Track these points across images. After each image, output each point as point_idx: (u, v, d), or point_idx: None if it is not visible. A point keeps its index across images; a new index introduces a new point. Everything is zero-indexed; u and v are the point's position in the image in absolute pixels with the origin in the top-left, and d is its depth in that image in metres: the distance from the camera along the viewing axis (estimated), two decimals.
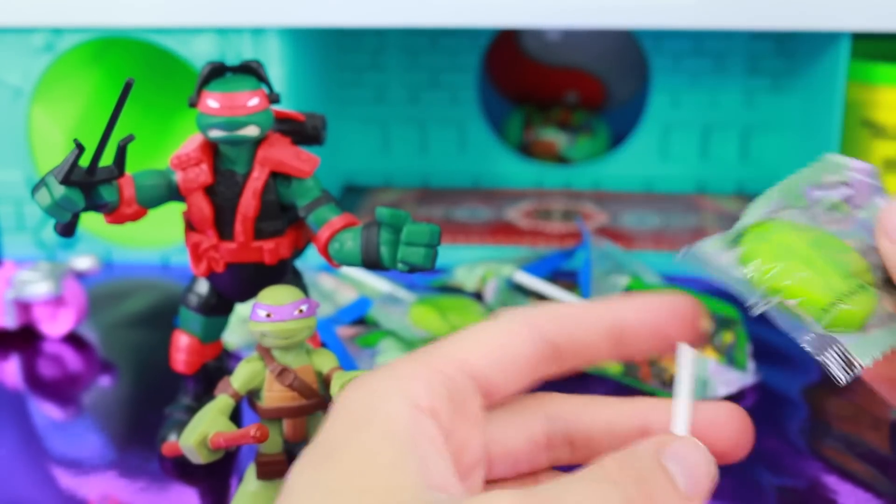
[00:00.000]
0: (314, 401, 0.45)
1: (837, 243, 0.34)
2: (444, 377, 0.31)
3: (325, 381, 0.45)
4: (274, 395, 0.45)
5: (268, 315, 0.44)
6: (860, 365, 0.32)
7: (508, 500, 0.27)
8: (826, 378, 0.55)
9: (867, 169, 0.36)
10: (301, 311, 0.44)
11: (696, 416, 0.32)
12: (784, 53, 0.84)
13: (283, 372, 0.45)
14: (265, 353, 0.45)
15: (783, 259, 0.33)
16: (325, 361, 0.46)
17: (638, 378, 0.56)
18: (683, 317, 0.33)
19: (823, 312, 0.33)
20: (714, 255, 0.34)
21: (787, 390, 0.57)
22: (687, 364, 0.33)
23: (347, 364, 0.56)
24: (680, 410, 0.32)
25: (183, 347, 0.50)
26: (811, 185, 0.36)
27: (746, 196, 0.86)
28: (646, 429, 0.34)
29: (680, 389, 0.33)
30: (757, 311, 0.33)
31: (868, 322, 0.33)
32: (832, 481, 0.49)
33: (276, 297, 0.44)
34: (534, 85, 0.95)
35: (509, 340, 0.32)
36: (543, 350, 0.33)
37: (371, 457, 0.28)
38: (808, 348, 0.32)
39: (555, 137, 0.92)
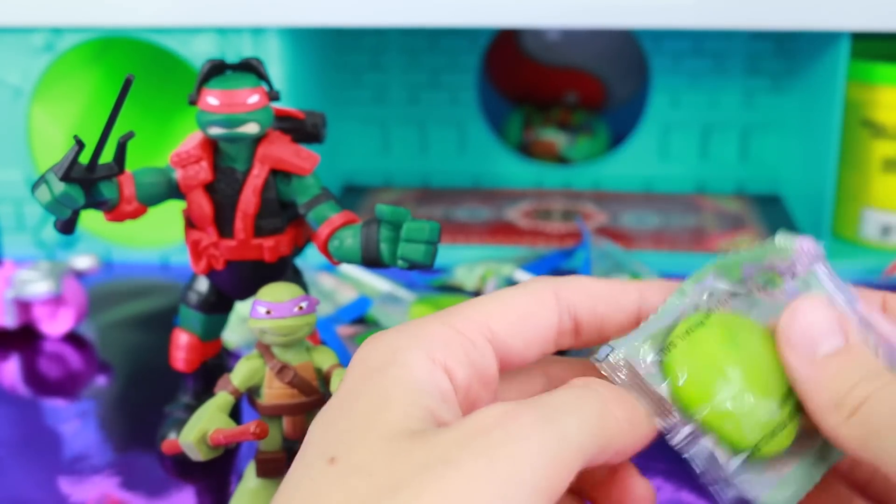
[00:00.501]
0: (314, 398, 0.45)
1: (769, 354, 0.31)
2: (464, 339, 0.31)
3: (325, 378, 0.45)
4: (274, 393, 0.45)
5: (268, 312, 0.44)
6: None
7: (500, 408, 0.28)
8: None
9: (812, 247, 0.33)
10: (301, 307, 0.44)
11: None
12: (784, 53, 0.84)
13: (282, 369, 0.44)
14: (265, 351, 0.45)
15: (708, 378, 0.31)
16: (324, 358, 0.46)
17: None
18: None
19: (742, 451, 0.31)
20: (634, 357, 0.32)
21: None
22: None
23: (347, 363, 0.56)
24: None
25: (183, 345, 0.50)
26: (751, 264, 0.34)
27: (746, 196, 0.86)
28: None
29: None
30: (672, 439, 0.31)
31: (786, 450, 0.31)
32: None
33: (276, 293, 0.44)
34: (533, 85, 0.95)
35: (534, 309, 0.33)
36: (566, 322, 0.33)
37: (384, 400, 0.29)
38: (715, 492, 0.31)
39: (555, 137, 0.92)
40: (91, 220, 0.62)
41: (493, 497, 0.26)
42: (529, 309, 0.33)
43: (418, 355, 0.30)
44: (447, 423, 0.29)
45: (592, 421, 0.29)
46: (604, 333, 0.34)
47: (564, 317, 0.33)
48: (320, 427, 0.30)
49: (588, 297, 0.33)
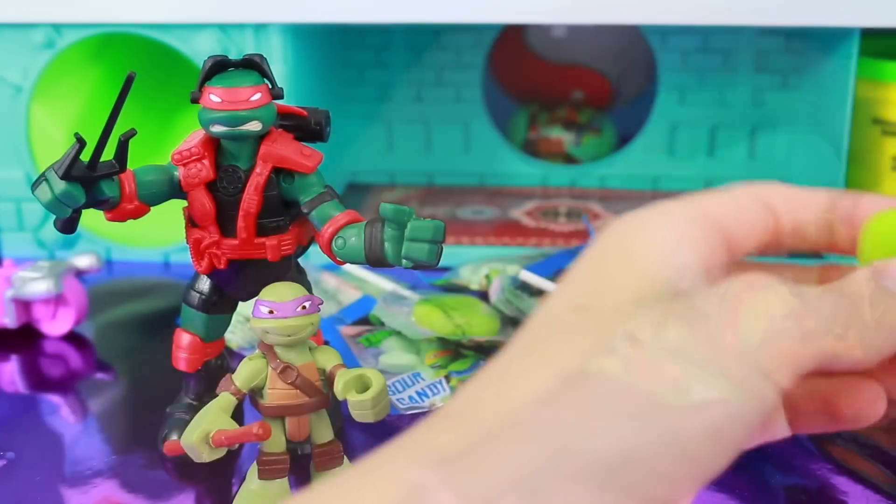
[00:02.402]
0: (317, 398, 0.45)
1: None
2: (707, 222, 0.32)
3: (329, 379, 0.45)
4: (277, 393, 0.45)
5: (270, 312, 0.43)
6: None
7: (754, 275, 0.29)
8: None
9: None
10: (304, 307, 0.44)
11: None
12: (793, 50, 0.84)
13: (286, 369, 0.44)
14: (268, 351, 0.45)
15: None
16: (327, 358, 0.45)
17: None
18: None
19: None
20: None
21: None
22: None
23: (351, 363, 0.55)
24: None
25: (184, 346, 0.50)
26: None
27: None
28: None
29: None
30: None
31: None
32: (842, 482, 0.48)
33: (279, 293, 0.44)
34: (539, 83, 0.95)
35: (748, 203, 0.33)
36: (768, 220, 0.33)
37: (632, 261, 0.30)
38: None
39: (561, 136, 0.91)
40: (91, 219, 0.61)
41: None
42: (742, 203, 0.33)
43: (668, 231, 0.31)
44: (695, 283, 0.30)
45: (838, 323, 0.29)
46: (798, 233, 0.34)
47: (768, 215, 0.33)
48: (568, 280, 0.30)
49: (783, 194, 0.34)
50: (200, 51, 0.70)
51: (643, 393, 0.26)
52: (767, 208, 0.33)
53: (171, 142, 0.83)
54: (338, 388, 0.44)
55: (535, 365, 0.28)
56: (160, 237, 0.76)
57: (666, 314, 0.28)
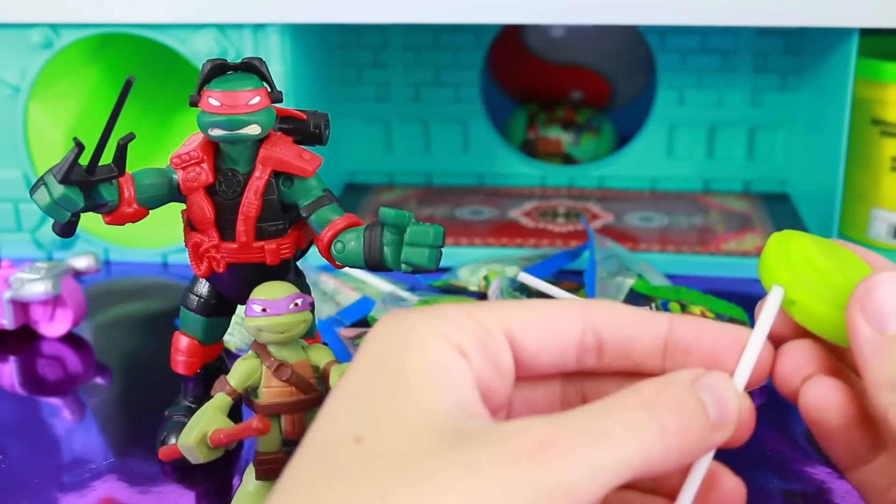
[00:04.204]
0: (312, 395, 0.45)
1: None
2: (478, 325, 0.32)
3: (323, 375, 0.45)
4: (272, 391, 0.45)
5: (263, 310, 0.44)
6: None
7: (542, 425, 0.28)
8: None
9: None
10: (296, 304, 0.44)
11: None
12: (792, 50, 0.83)
13: (280, 367, 0.45)
14: (261, 350, 0.45)
15: None
16: (321, 356, 0.46)
17: None
18: (740, 350, 0.33)
19: None
20: None
21: None
22: (770, 310, 0.33)
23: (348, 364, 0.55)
24: (748, 354, 0.33)
25: (183, 349, 0.50)
26: None
27: (753, 195, 0.86)
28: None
29: (755, 335, 0.33)
30: None
31: None
32: (840, 487, 0.48)
33: (270, 292, 0.44)
34: (538, 83, 0.94)
35: (556, 318, 0.33)
36: (590, 339, 0.33)
37: (406, 383, 0.29)
38: None
39: (559, 136, 0.91)
40: (90, 219, 0.61)
41: None
42: (552, 317, 0.33)
43: (437, 339, 0.30)
44: (471, 411, 0.29)
45: (643, 452, 0.29)
46: (629, 357, 0.34)
47: (588, 333, 0.33)
48: (343, 402, 0.30)
49: (615, 318, 0.33)
50: (199, 51, 0.69)
51: None
52: (590, 331, 0.33)
53: (169, 142, 0.83)
54: (333, 383, 0.44)
55: None
56: (158, 238, 0.76)
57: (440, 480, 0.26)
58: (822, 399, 0.33)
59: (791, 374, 0.34)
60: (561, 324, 0.33)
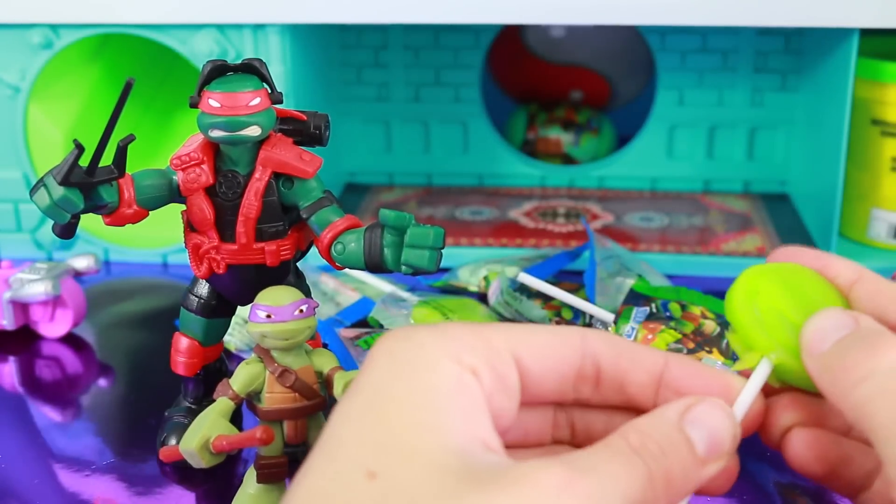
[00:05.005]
0: (315, 401, 0.45)
1: None
2: (488, 345, 0.31)
3: (326, 382, 0.45)
4: (275, 397, 0.45)
5: (268, 316, 0.44)
6: None
7: (554, 476, 0.27)
8: None
9: None
10: (301, 311, 0.44)
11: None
12: (792, 50, 0.83)
13: (283, 373, 0.44)
14: (265, 355, 0.45)
15: None
16: (325, 361, 0.45)
17: None
18: (731, 399, 0.33)
19: None
20: None
21: None
22: (755, 383, 0.33)
23: (349, 366, 0.55)
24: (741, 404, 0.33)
25: (183, 350, 0.50)
26: None
27: (753, 195, 0.85)
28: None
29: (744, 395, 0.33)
30: None
31: None
32: None
33: (275, 297, 0.44)
34: (538, 83, 0.94)
35: (558, 343, 0.33)
36: (588, 367, 0.33)
37: (418, 411, 0.29)
38: None
39: (559, 136, 0.91)
40: (90, 220, 0.61)
41: None
42: (554, 342, 0.33)
43: (448, 359, 0.30)
44: (483, 440, 0.29)
45: (636, 493, 0.29)
46: (623, 390, 0.34)
47: (587, 362, 0.33)
48: (351, 428, 0.29)
49: (613, 349, 0.34)
50: (198, 51, 0.69)
51: None
52: (589, 359, 0.33)
53: (169, 142, 0.83)
54: (338, 389, 0.44)
55: None
56: (158, 238, 0.76)
57: None
58: (802, 454, 0.33)
59: (773, 430, 0.34)
60: (563, 349, 0.33)
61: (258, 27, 0.69)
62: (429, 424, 0.28)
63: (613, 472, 0.28)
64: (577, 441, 0.35)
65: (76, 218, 0.44)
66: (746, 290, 0.34)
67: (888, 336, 0.31)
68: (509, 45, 0.93)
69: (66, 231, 0.44)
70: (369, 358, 0.31)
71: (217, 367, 0.52)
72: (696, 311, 0.58)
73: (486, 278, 0.66)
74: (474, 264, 0.69)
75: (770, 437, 0.34)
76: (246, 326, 0.60)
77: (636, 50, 0.90)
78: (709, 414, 0.31)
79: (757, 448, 0.50)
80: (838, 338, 0.31)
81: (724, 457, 0.31)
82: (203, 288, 0.49)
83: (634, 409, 0.34)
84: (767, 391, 0.34)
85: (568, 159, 0.91)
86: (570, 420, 0.35)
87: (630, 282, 0.62)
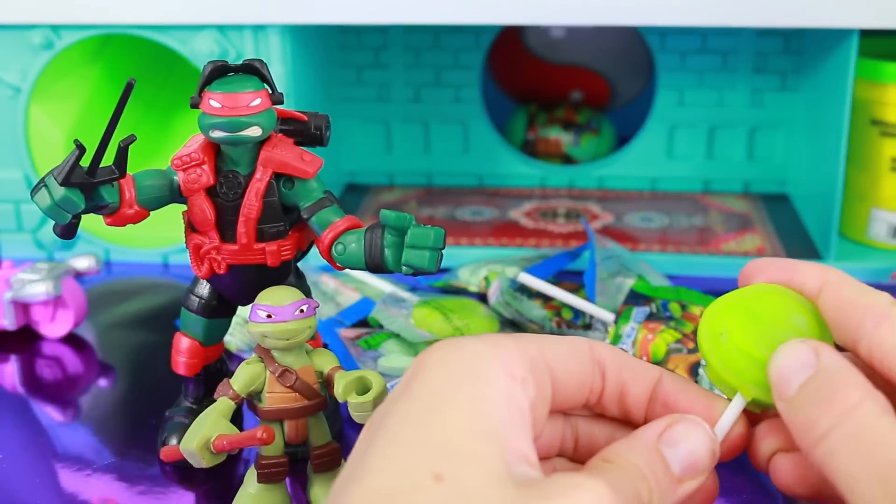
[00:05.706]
0: (316, 401, 0.45)
1: None
2: (531, 356, 0.32)
3: (327, 381, 0.45)
4: (275, 397, 0.45)
5: (268, 316, 0.44)
6: None
7: (586, 479, 0.29)
8: None
9: None
10: (302, 311, 0.44)
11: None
12: (791, 51, 0.83)
13: (284, 373, 0.44)
14: (265, 355, 0.45)
15: None
16: (325, 361, 0.45)
17: None
18: (712, 420, 0.34)
19: None
20: None
21: None
22: (734, 410, 0.34)
23: (349, 366, 0.55)
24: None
25: (184, 350, 0.50)
26: None
27: (753, 196, 0.86)
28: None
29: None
30: None
31: None
32: None
33: (276, 297, 0.44)
34: (538, 83, 0.95)
35: (577, 353, 0.34)
36: (597, 375, 0.34)
37: (478, 417, 0.30)
38: None
39: (559, 136, 0.91)
40: (90, 220, 0.61)
41: None
42: (573, 352, 0.34)
43: (501, 371, 0.31)
44: (525, 454, 0.30)
45: None
46: (622, 402, 0.35)
47: (596, 370, 0.34)
48: (413, 429, 0.30)
49: (616, 359, 0.35)
50: (199, 52, 0.69)
51: None
52: (598, 368, 0.34)
53: (169, 142, 0.83)
54: (338, 390, 0.44)
55: None
56: (159, 238, 0.76)
57: None
58: (786, 480, 0.34)
59: (759, 456, 0.35)
60: (581, 359, 0.34)
61: (258, 28, 0.69)
62: (486, 433, 0.29)
63: (588, 497, 0.29)
64: (579, 455, 0.36)
65: (77, 218, 0.44)
66: (711, 332, 0.35)
67: (847, 374, 0.31)
68: (509, 46, 0.93)
69: (67, 231, 0.45)
70: (420, 366, 0.32)
71: (218, 367, 0.52)
72: (696, 311, 0.58)
73: (486, 278, 0.66)
74: (474, 264, 0.69)
75: (757, 462, 0.35)
76: (247, 326, 0.60)
77: (636, 50, 0.90)
78: (687, 433, 0.32)
79: None
80: (802, 381, 0.31)
81: (701, 474, 0.32)
82: (204, 288, 0.49)
83: (631, 424, 0.35)
84: (751, 416, 0.35)
85: (568, 159, 0.91)
86: (574, 431, 0.36)
87: (630, 282, 0.62)
